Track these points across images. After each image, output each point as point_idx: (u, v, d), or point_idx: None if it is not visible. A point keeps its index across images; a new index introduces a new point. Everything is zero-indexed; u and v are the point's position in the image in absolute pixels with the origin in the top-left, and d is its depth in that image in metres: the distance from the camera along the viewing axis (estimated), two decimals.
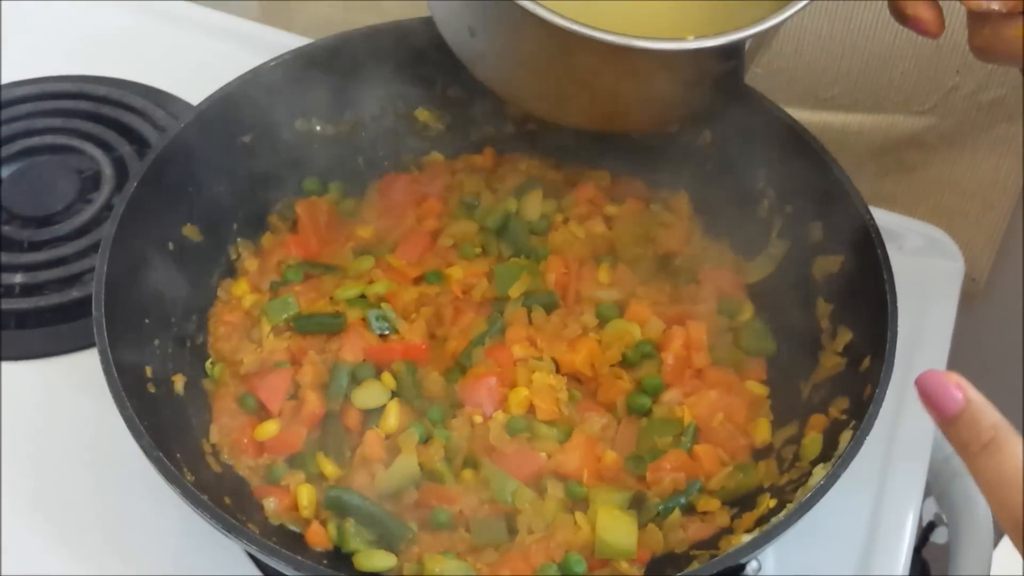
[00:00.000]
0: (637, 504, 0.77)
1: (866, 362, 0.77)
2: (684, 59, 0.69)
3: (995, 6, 0.66)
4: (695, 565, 0.71)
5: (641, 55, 0.68)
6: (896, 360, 0.74)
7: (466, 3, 0.70)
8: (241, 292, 0.88)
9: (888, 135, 1.05)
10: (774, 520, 0.70)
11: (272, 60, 0.89)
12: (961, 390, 0.57)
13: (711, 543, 0.75)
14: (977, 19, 0.67)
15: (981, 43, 0.68)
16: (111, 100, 1.05)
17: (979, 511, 0.94)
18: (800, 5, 0.69)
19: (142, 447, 0.70)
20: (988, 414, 0.57)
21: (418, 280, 0.88)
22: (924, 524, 0.96)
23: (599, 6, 0.73)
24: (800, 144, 0.85)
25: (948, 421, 0.57)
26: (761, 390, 0.84)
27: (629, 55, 0.68)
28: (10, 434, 0.84)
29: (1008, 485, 0.55)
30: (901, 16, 0.70)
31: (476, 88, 0.82)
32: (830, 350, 0.82)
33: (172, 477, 0.69)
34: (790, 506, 0.70)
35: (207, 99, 0.87)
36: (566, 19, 0.66)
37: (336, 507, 0.77)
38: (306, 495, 0.77)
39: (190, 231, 0.86)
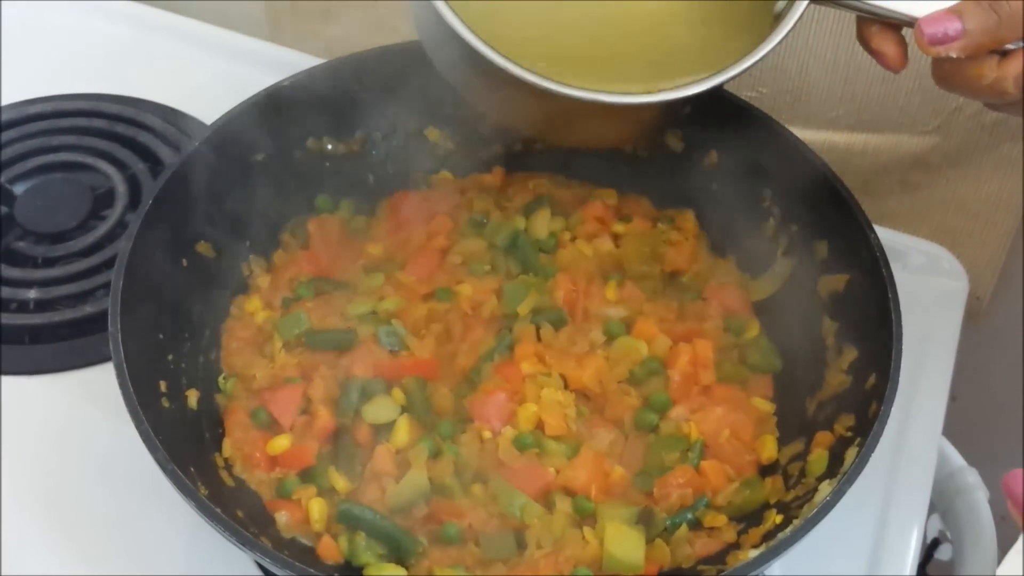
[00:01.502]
0: (645, 519, 0.78)
1: (871, 380, 0.77)
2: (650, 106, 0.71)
3: (953, 54, 0.67)
4: None
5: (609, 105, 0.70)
6: (900, 378, 0.75)
7: (445, 42, 0.72)
8: (253, 308, 0.89)
9: (892, 155, 1.06)
10: (780, 536, 0.71)
11: (284, 80, 0.90)
12: None
13: (718, 558, 0.76)
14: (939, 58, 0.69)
15: (943, 75, 0.70)
16: (125, 118, 1.06)
17: (983, 528, 0.94)
18: (768, 48, 0.70)
19: (157, 461, 0.70)
20: None
21: (428, 297, 0.89)
22: (928, 541, 0.96)
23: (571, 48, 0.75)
24: (805, 164, 0.86)
25: None
26: (767, 407, 0.85)
27: (598, 105, 0.69)
28: (24, 448, 0.85)
29: None
30: (867, 48, 0.72)
31: None
32: (835, 367, 0.83)
33: (187, 491, 0.69)
34: (796, 522, 0.71)
35: (220, 118, 0.88)
36: (533, 74, 0.67)
37: (347, 521, 0.77)
38: (317, 509, 0.78)
39: (203, 248, 0.87)
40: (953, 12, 0.68)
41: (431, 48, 0.76)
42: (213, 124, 0.88)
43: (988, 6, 0.67)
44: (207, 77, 1.10)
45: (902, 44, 0.71)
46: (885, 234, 0.84)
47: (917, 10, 0.69)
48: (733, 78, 0.70)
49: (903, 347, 0.76)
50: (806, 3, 0.70)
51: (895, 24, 0.70)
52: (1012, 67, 0.68)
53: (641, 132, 0.84)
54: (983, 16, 0.67)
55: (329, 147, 0.95)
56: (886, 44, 0.71)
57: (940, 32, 0.67)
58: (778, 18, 0.71)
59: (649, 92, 0.70)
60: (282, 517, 0.78)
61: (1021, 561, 0.60)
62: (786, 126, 0.88)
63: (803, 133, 0.88)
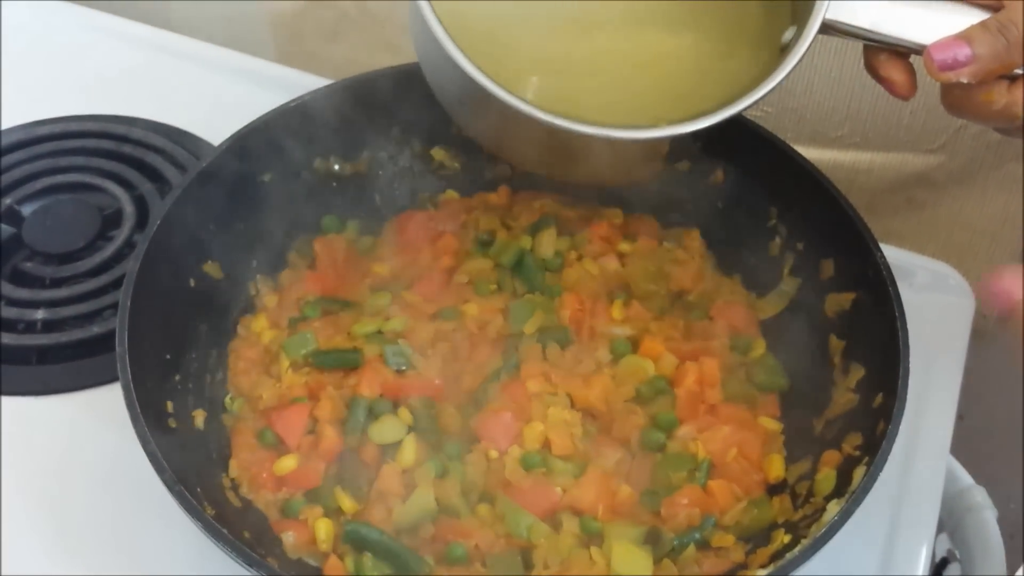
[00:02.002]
0: (652, 539, 0.78)
1: (878, 398, 0.77)
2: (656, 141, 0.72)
3: (963, 79, 0.68)
4: None
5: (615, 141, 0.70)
6: (908, 396, 0.75)
7: (452, 82, 0.72)
8: (260, 328, 0.89)
9: (898, 173, 1.06)
10: (788, 556, 0.71)
11: (291, 101, 0.91)
12: None
13: None
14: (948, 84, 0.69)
15: (952, 102, 0.70)
16: (132, 139, 1.06)
17: (992, 547, 0.94)
18: (778, 80, 0.70)
19: (164, 481, 0.71)
20: None
21: (434, 316, 0.89)
22: (937, 560, 0.96)
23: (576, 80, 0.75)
24: (811, 182, 0.86)
25: None
26: (774, 426, 0.85)
27: (604, 141, 0.69)
28: (31, 468, 0.85)
29: None
30: (875, 76, 0.72)
31: None
32: (842, 386, 0.82)
33: (194, 511, 0.69)
34: (804, 542, 0.71)
35: (228, 139, 0.88)
36: (542, 111, 0.68)
37: (354, 541, 0.77)
38: (324, 529, 0.78)
39: (211, 268, 0.88)
40: (962, 38, 0.68)
41: (438, 86, 0.77)
42: (220, 145, 0.88)
43: (997, 31, 0.67)
44: (214, 98, 1.10)
45: (910, 71, 0.71)
46: (891, 252, 0.84)
47: (925, 37, 0.69)
48: (743, 110, 0.70)
49: (910, 365, 0.76)
50: (814, 34, 0.70)
51: (903, 52, 0.71)
52: (1022, 92, 0.68)
53: (649, 168, 0.84)
54: (992, 41, 0.67)
55: (336, 167, 0.95)
56: (895, 72, 0.71)
57: (950, 58, 0.67)
58: (785, 49, 0.71)
59: (656, 127, 0.70)
60: (288, 537, 0.78)
61: None
62: (791, 145, 0.89)
63: (808, 152, 0.89)
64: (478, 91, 0.68)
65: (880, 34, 0.70)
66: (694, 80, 0.75)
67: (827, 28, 0.71)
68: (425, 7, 0.68)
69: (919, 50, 0.69)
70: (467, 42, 0.68)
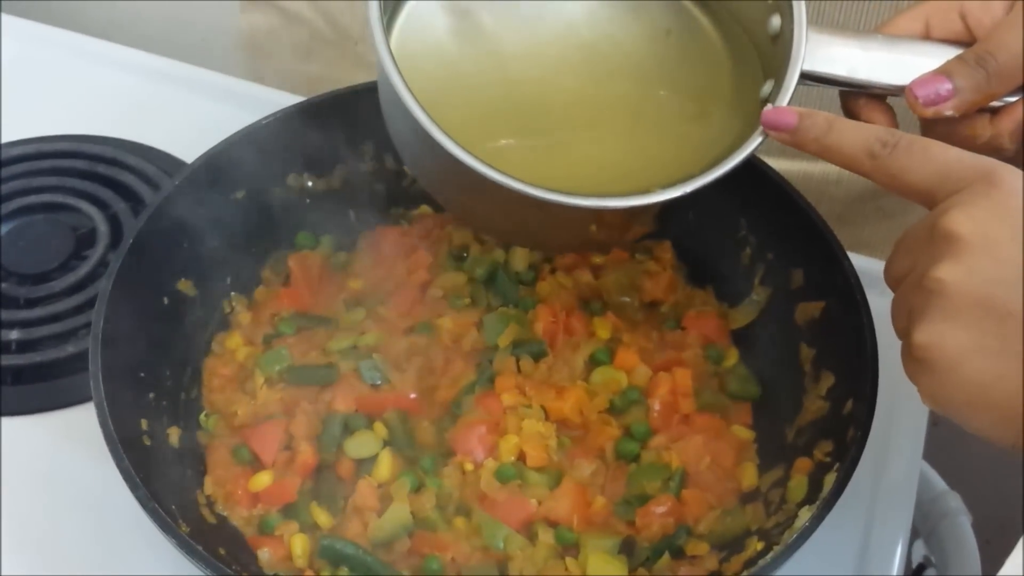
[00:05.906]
0: (627, 549, 0.78)
1: (849, 405, 0.78)
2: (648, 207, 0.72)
3: (947, 112, 0.68)
4: None
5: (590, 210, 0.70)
6: (878, 402, 0.75)
7: (415, 143, 0.72)
8: (235, 345, 0.89)
9: (868, 183, 1.05)
10: (762, 563, 0.71)
11: (264, 118, 0.91)
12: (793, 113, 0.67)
13: None
14: (930, 120, 0.70)
15: (936, 138, 0.71)
16: (106, 159, 1.06)
17: (967, 552, 0.95)
18: (756, 142, 0.70)
19: (138, 499, 0.71)
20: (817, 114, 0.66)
21: (409, 331, 0.89)
22: (914, 566, 0.97)
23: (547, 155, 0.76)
24: (780, 193, 0.87)
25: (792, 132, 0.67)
26: (747, 434, 0.85)
27: (576, 209, 0.69)
28: (7, 488, 0.85)
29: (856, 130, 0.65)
30: (855, 119, 0.73)
31: None
32: (813, 394, 0.83)
33: (168, 528, 0.69)
34: (777, 548, 0.71)
35: (200, 157, 0.89)
36: (499, 172, 0.67)
37: (330, 556, 0.77)
38: (300, 545, 0.78)
39: (184, 286, 0.88)
40: (941, 72, 0.69)
41: (424, 173, 0.77)
42: (193, 163, 0.88)
43: (975, 63, 0.68)
44: (187, 116, 1.10)
45: (890, 113, 0.72)
46: (861, 261, 0.85)
47: (903, 78, 0.70)
48: (735, 168, 0.70)
49: (881, 372, 0.77)
50: (794, 86, 0.71)
51: (880, 95, 0.71)
52: (1006, 123, 0.69)
53: (634, 233, 0.84)
54: (971, 73, 0.68)
55: (309, 184, 0.95)
56: (875, 115, 0.72)
57: (932, 93, 0.68)
58: (765, 102, 0.72)
59: (649, 193, 0.70)
60: (264, 554, 0.78)
61: (1022, 561, 0.60)
62: (761, 157, 0.89)
63: (778, 163, 0.89)
64: (460, 168, 0.67)
65: (858, 80, 0.71)
66: (677, 145, 0.76)
67: (805, 78, 0.71)
68: (407, 97, 0.68)
69: (897, 92, 0.70)
70: (438, 117, 0.68)
